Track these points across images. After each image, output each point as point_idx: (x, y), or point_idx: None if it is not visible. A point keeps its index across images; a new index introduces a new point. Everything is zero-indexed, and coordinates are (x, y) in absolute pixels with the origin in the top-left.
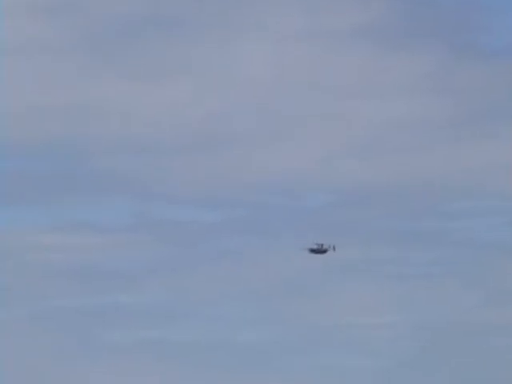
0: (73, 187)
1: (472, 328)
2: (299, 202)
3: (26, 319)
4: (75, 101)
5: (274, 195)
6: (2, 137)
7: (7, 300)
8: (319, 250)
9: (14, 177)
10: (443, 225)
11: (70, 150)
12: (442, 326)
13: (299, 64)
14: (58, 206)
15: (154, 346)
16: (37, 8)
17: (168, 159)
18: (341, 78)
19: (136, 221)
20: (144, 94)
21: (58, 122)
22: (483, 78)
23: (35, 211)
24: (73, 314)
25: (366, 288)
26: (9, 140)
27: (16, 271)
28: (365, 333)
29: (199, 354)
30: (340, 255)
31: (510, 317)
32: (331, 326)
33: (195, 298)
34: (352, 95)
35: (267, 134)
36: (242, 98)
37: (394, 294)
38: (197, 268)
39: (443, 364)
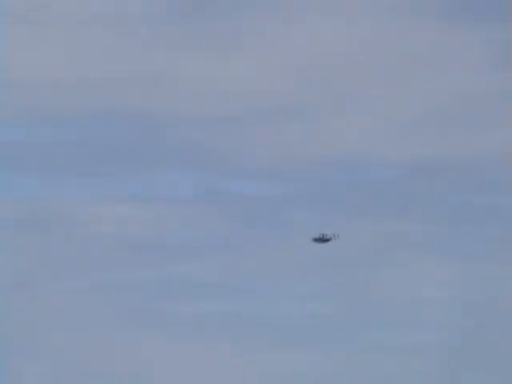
0: (139, 159)
1: None
2: (364, 176)
3: (88, 291)
4: (144, 72)
5: (339, 169)
6: (71, 107)
7: (70, 272)
8: (322, 239)
9: (83, 148)
10: None
11: (137, 121)
12: (507, 302)
13: (364, 38)
14: (123, 178)
15: (215, 319)
16: None
17: (234, 132)
18: (407, 51)
19: (201, 193)
20: (212, 66)
21: (130, 94)
22: None
23: (100, 183)
24: (135, 286)
25: (431, 263)
26: (78, 110)
27: (79, 243)
28: (429, 307)
29: (260, 328)
30: (405, 229)
31: None
32: (394, 301)
33: (258, 272)
34: (420, 68)
35: (333, 108)
36: (309, 72)
37: (460, 269)
38: (261, 241)
39: (507, 340)
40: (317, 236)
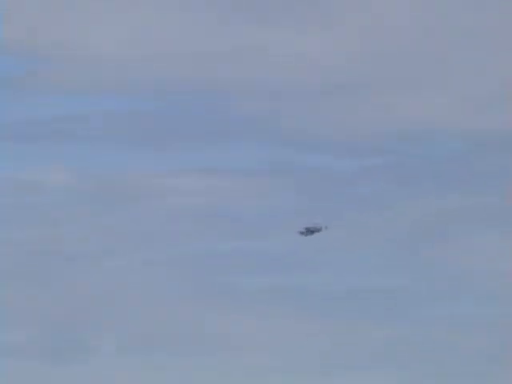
0: (209, 131)
1: None
2: (437, 150)
3: (158, 264)
4: (214, 47)
5: (413, 143)
6: (139, 81)
7: (145, 245)
8: (312, 230)
9: (155, 120)
10: None
11: (208, 94)
12: None
13: (440, 10)
14: (194, 151)
15: (283, 293)
16: None
17: (306, 105)
18: (484, 25)
19: (271, 167)
20: (290, 40)
21: (199, 68)
22: None
23: (172, 155)
24: (204, 258)
25: (493, 236)
26: (154, 84)
27: (154, 215)
28: (495, 282)
29: (329, 302)
30: (476, 203)
31: None
32: (461, 275)
33: (329, 246)
34: (494, 43)
35: (407, 81)
36: (382, 45)
37: None
38: (332, 216)
39: None
40: (306, 227)
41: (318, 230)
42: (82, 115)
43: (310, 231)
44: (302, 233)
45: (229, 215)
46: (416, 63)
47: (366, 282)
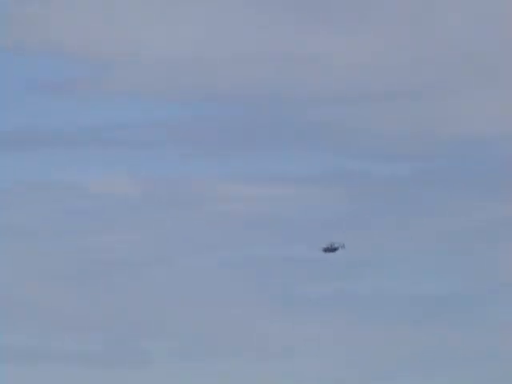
0: (269, 137)
1: None
2: (493, 153)
3: (215, 268)
4: (274, 50)
5: (468, 147)
6: (204, 85)
7: (199, 249)
8: (331, 249)
9: (213, 126)
10: None
11: (269, 100)
12: None
13: (492, 15)
14: (253, 157)
15: (345, 299)
16: None
17: (363, 111)
18: None
19: (328, 173)
20: (344, 46)
21: (261, 74)
22: None
23: (230, 161)
24: (265, 265)
25: None
26: (209, 88)
27: (209, 221)
28: None
29: (383, 307)
30: None
31: None
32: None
33: (386, 250)
34: None
35: (462, 85)
36: (439, 48)
37: None
38: (387, 221)
39: None
40: (325, 246)
41: (335, 249)
42: (145, 121)
43: (328, 250)
44: (324, 250)
45: (292, 222)
46: (468, 68)
47: (419, 288)
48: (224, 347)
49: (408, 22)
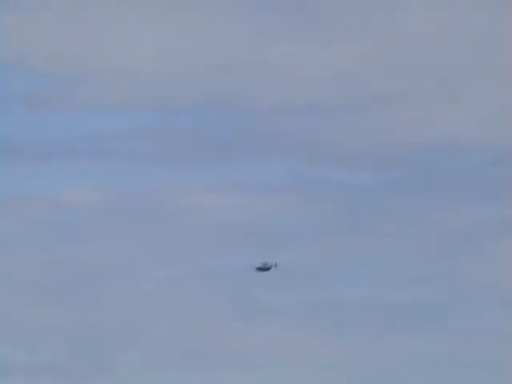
0: (232, 147)
1: None
2: (458, 162)
3: (189, 278)
4: (239, 61)
5: (433, 155)
6: (171, 95)
7: (172, 260)
8: (264, 268)
9: (181, 135)
10: None
11: (234, 109)
12: None
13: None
14: (219, 166)
15: (313, 308)
16: None
17: (325, 120)
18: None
19: (292, 181)
20: (312, 53)
21: (222, 83)
22: None
23: (197, 170)
24: (231, 273)
25: None
26: (179, 98)
27: (179, 231)
28: None
29: (354, 315)
30: (503, 215)
31: None
32: (493, 285)
33: (352, 259)
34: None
35: (427, 93)
36: (404, 56)
37: None
38: (353, 229)
39: None
40: (259, 265)
41: (268, 268)
42: (109, 132)
43: (261, 269)
44: (258, 269)
45: (255, 231)
46: (443, 76)
47: (396, 294)
48: (193, 358)
49: (375, 30)
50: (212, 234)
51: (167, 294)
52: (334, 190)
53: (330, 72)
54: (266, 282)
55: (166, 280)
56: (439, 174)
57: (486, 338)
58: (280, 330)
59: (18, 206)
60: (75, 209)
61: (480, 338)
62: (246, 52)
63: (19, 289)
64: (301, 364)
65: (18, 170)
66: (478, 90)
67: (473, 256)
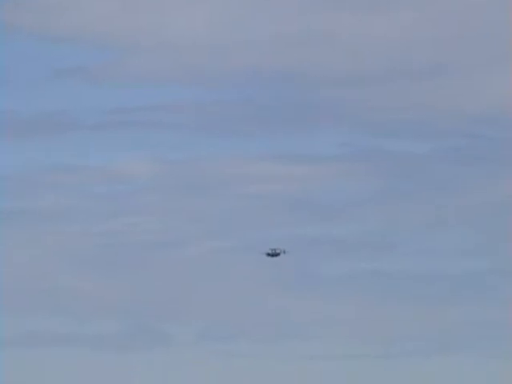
0: (291, 118)
1: None
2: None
3: (240, 249)
4: (291, 33)
5: (487, 125)
6: (222, 67)
7: (223, 230)
8: (272, 254)
9: (233, 107)
10: None
11: (291, 80)
12: None
13: None
14: (273, 136)
15: (366, 278)
16: None
17: (379, 89)
18: None
19: (348, 151)
20: (364, 24)
21: (275, 55)
22: None
23: (252, 141)
24: (287, 244)
25: None
26: (230, 70)
27: (230, 201)
28: None
29: (412, 286)
30: None
31: None
32: None
33: (409, 228)
34: None
35: (482, 62)
36: (460, 26)
37: None
38: (410, 198)
39: None
40: (268, 251)
41: (277, 254)
42: (166, 104)
43: (271, 255)
44: (267, 254)
45: (309, 201)
46: (487, 45)
47: (445, 265)
48: (243, 329)
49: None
50: (269, 204)
51: (218, 265)
52: (387, 159)
53: (383, 42)
54: (319, 252)
55: (217, 251)
56: (494, 144)
57: None
58: (332, 300)
59: (71, 178)
60: (127, 180)
61: None
62: (297, 22)
63: (71, 261)
64: (353, 334)
65: (72, 142)
66: None
67: None
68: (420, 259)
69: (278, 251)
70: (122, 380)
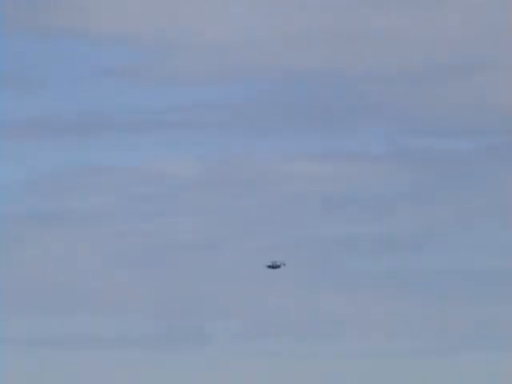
0: (331, 116)
1: None
2: None
3: (281, 247)
4: (337, 27)
5: None
6: (261, 66)
7: (263, 230)
8: (273, 266)
9: (274, 105)
10: None
11: (330, 77)
12: None
13: None
14: (315, 135)
15: (403, 275)
16: None
17: (424, 87)
18: None
19: (392, 149)
20: (406, 21)
21: (317, 53)
22: None
23: (290, 140)
24: (326, 243)
25: None
26: (270, 68)
27: (272, 200)
28: None
29: (447, 284)
30: None
31: None
32: None
33: (449, 227)
34: None
35: None
36: (505, 23)
37: None
38: (452, 196)
39: None
40: (269, 264)
41: (278, 266)
42: (203, 104)
43: (272, 267)
44: (268, 267)
45: (350, 199)
46: None
47: (486, 262)
48: (282, 328)
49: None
50: (309, 203)
51: (258, 264)
52: (431, 157)
53: (427, 38)
54: (357, 250)
55: (257, 250)
56: None
57: None
58: (372, 297)
59: (109, 179)
60: (163, 180)
61: None
62: (338, 18)
63: (108, 261)
64: (392, 330)
65: (109, 143)
66: None
67: None
68: (460, 256)
69: (278, 263)
70: (161, 380)
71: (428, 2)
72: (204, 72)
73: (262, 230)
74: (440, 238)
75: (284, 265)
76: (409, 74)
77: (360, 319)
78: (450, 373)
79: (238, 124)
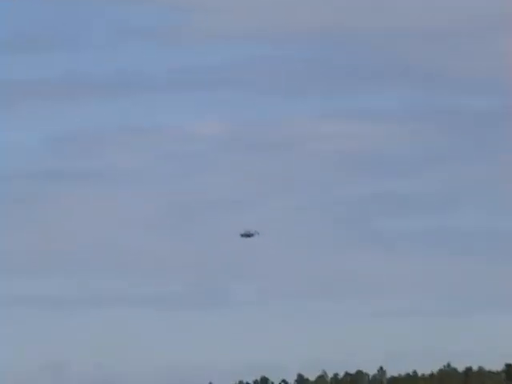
0: (358, 76)
1: None
2: None
3: (306, 207)
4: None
5: None
6: (287, 25)
7: (289, 189)
8: (247, 235)
9: (304, 65)
10: None
11: (356, 40)
12: None
13: None
14: (343, 95)
15: (430, 234)
16: None
17: (452, 47)
18: None
19: (418, 109)
20: None
21: (344, 16)
22: None
23: (319, 100)
24: (354, 202)
25: None
26: (295, 28)
27: (299, 160)
28: None
29: (476, 242)
30: None
31: None
32: None
33: (476, 186)
34: None
35: None
36: None
37: None
38: (478, 156)
39: None
40: (242, 232)
41: (251, 235)
42: (235, 63)
43: (245, 236)
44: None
45: (379, 159)
46: None
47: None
48: (309, 287)
49: None
50: (339, 162)
51: (284, 224)
52: (457, 118)
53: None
54: (383, 210)
55: (283, 210)
56: None
57: None
58: (398, 257)
59: (142, 139)
60: (198, 140)
61: None
62: None
63: (143, 221)
64: (419, 290)
65: (143, 103)
66: None
67: None
68: (485, 216)
69: (251, 233)
70: (186, 338)
71: None
72: (235, 31)
73: (290, 189)
74: (466, 199)
75: (258, 234)
76: (437, 33)
77: (385, 279)
78: (487, 331)
79: (265, 83)
